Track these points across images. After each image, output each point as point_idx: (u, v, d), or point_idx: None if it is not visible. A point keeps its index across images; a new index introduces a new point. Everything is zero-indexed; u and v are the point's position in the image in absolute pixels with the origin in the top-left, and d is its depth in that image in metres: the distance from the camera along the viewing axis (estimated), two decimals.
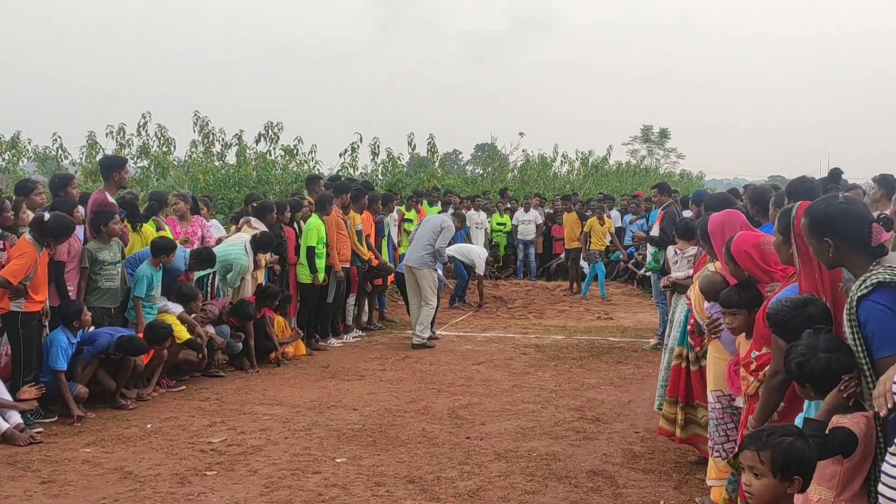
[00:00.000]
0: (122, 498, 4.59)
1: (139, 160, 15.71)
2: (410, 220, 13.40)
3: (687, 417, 5.01)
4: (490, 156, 24.81)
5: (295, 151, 16.53)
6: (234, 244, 8.34)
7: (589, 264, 13.81)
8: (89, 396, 6.39)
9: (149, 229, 7.82)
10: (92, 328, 6.63)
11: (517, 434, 5.86)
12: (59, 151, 16.12)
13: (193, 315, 7.57)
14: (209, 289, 8.45)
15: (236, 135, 16.47)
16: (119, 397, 6.56)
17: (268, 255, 8.63)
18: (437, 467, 5.11)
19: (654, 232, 9.63)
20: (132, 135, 15.86)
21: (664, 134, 50.88)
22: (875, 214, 2.80)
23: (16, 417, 5.68)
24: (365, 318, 10.74)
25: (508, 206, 16.84)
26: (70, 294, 6.52)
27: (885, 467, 2.33)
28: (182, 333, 7.27)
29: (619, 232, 15.38)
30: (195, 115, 16.23)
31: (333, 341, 9.59)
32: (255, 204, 9.21)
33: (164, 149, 15.98)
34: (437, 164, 19.98)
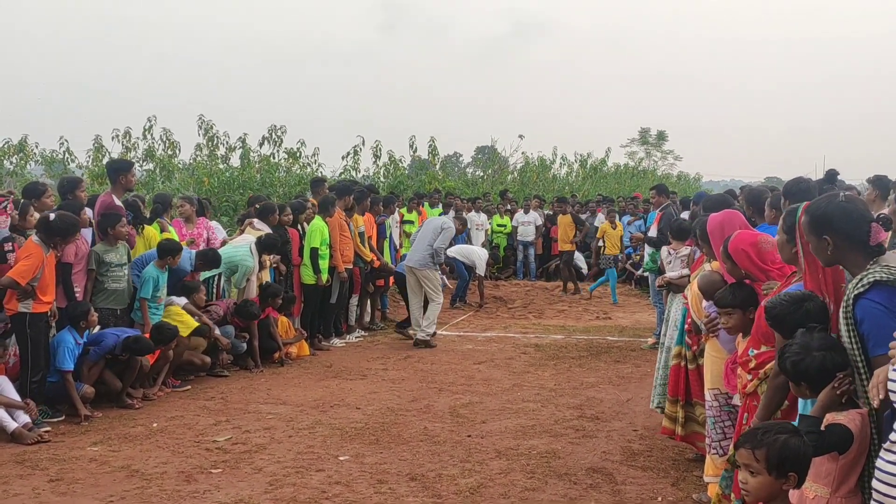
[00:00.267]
0: (129, 496, 4.64)
1: (145, 163, 15.76)
2: (411, 222, 13.48)
3: (686, 415, 5.07)
4: (490, 158, 24.85)
5: (298, 154, 16.62)
6: (240, 246, 8.41)
7: (601, 267, 13.77)
8: (96, 396, 6.45)
9: (152, 231, 7.90)
10: (98, 329, 6.71)
11: (517, 432, 5.93)
12: (66, 155, 16.18)
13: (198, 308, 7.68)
14: (214, 290, 8.52)
15: (240, 138, 16.59)
16: (125, 397, 6.63)
17: (271, 256, 8.71)
18: (438, 465, 5.18)
19: (652, 233, 9.72)
20: (138, 138, 15.92)
21: (662, 136, 50.87)
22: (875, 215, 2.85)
23: (24, 417, 5.74)
24: (367, 318, 10.82)
25: (508, 207, 16.92)
26: (77, 295, 6.59)
27: (879, 463, 2.35)
28: (189, 321, 7.37)
29: None
30: (200, 118, 16.33)
31: (336, 341, 9.67)
32: (257, 206, 9.29)
33: (170, 152, 16.04)
34: (437, 167, 20.05)
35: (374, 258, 10.36)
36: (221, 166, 16.14)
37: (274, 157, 16.38)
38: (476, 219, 15.41)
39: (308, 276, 9.21)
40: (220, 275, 8.48)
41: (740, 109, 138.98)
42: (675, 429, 5.14)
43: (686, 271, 6.04)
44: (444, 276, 10.94)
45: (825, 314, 2.81)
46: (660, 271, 7.35)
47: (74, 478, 4.93)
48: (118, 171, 7.28)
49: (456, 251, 12.09)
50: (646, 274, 10.59)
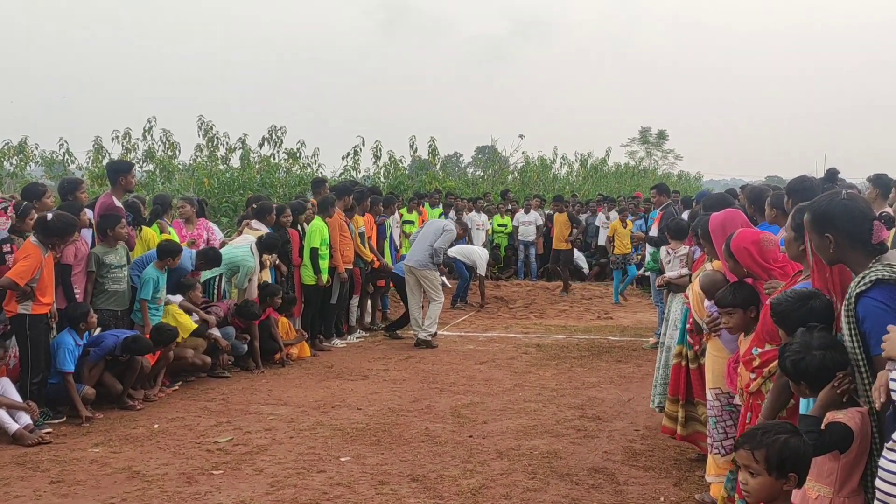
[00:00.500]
0: (131, 497, 4.64)
1: (145, 164, 15.80)
2: (411, 222, 13.48)
3: (687, 415, 5.07)
4: (490, 158, 24.85)
5: (298, 155, 16.64)
6: (240, 246, 8.41)
7: (612, 268, 13.65)
8: (97, 397, 6.45)
9: (150, 233, 7.89)
10: (98, 330, 6.71)
11: (519, 432, 5.92)
12: (66, 156, 16.21)
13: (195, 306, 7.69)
14: (216, 291, 8.52)
15: (240, 138, 16.61)
16: (126, 398, 6.63)
17: (271, 256, 8.71)
18: (440, 466, 5.17)
19: (653, 232, 9.72)
20: (138, 139, 15.95)
21: (662, 135, 50.87)
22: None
23: (25, 418, 5.74)
24: (368, 318, 10.82)
25: (509, 207, 16.92)
26: (77, 297, 6.59)
27: (882, 462, 2.34)
28: (187, 323, 7.36)
29: None
30: (199, 119, 16.35)
31: (337, 342, 9.67)
32: (254, 206, 9.30)
33: (170, 153, 16.07)
34: (438, 167, 20.07)
35: (374, 259, 10.36)
36: (221, 167, 16.17)
37: (274, 158, 16.40)
38: (477, 219, 15.42)
39: (308, 277, 9.21)
40: (221, 276, 8.48)
41: (741, 108, 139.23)
42: (676, 428, 5.13)
43: (685, 270, 6.04)
44: (444, 277, 10.93)
45: (830, 312, 2.80)
46: (660, 271, 7.35)
47: (76, 479, 4.93)
48: (118, 172, 7.28)
49: (457, 251, 12.10)
50: (647, 273, 10.58)
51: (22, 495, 4.67)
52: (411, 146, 18.58)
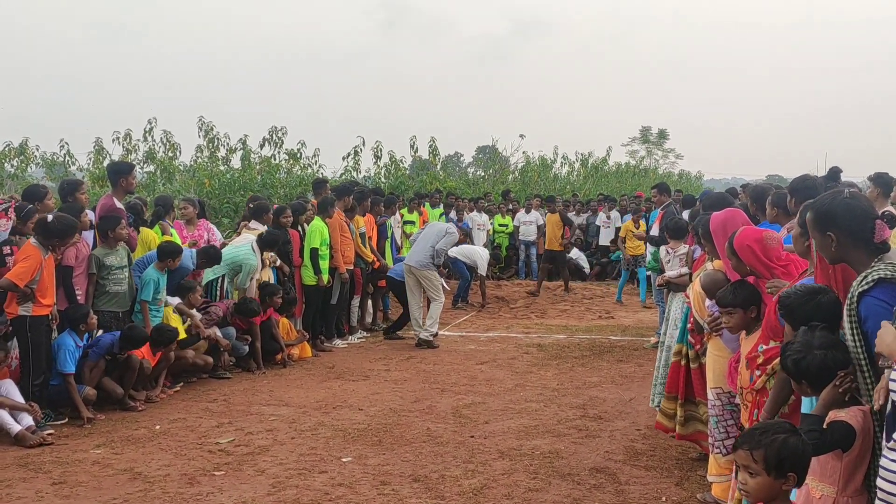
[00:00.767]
0: (132, 498, 4.64)
1: (145, 165, 15.84)
2: (412, 223, 13.49)
3: (688, 414, 5.07)
4: (491, 158, 24.85)
5: (299, 155, 16.67)
6: (241, 245, 8.41)
7: (627, 268, 13.53)
8: (98, 398, 6.46)
9: (150, 234, 7.89)
10: (100, 332, 6.71)
11: (520, 432, 5.92)
12: (67, 157, 16.24)
13: (194, 308, 7.66)
14: (218, 291, 8.51)
15: (241, 139, 16.66)
16: (128, 399, 6.63)
17: (270, 255, 8.71)
18: (441, 466, 5.17)
19: (654, 232, 9.71)
20: (138, 140, 16.00)
21: (663, 135, 50.78)
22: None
23: (27, 419, 5.74)
24: (369, 319, 10.82)
25: (510, 207, 16.93)
26: (79, 298, 6.59)
27: (882, 462, 2.35)
28: (178, 329, 7.34)
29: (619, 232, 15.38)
30: (200, 120, 16.38)
31: (338, 342, 9.67)
32: (251, 205, 9.30)
33: (170, 154, 16.12)
34: (438, 167, 20.08)
35: (375, 259, 10.36)
36: (222, 168, 16.19)
37: (275, 159, 16.43)
38: (478, 219, 15.43)
39: (309, 277, 9.22)
40: (223, 277, 8.47)
41: (742, 107, 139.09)
42: (671, 425, 5.14)
43: (685, 270, 6.04)
44: (443, 280, 10.92)
45: (837, 308, 2.79)
46: (661, 270, 7.35)
47: (77, 480, 4.93)
48: (119, 173, 7.29)
49: (458, 251, 12.11)
50: (648, 273, 10.57)
51: (24, 496, 4.67)
52: (412, 146, 18.62)
